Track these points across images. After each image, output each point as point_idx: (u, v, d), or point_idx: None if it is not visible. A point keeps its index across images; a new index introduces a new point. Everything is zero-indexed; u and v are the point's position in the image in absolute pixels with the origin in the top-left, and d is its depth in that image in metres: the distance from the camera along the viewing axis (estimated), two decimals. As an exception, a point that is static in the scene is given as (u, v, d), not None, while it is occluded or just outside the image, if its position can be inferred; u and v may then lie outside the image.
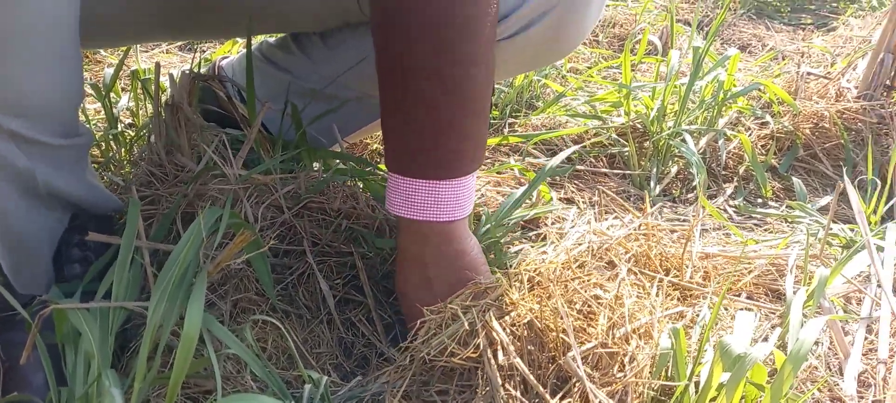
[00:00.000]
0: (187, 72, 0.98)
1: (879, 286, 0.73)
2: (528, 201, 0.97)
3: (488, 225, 0.87)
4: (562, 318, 0.62)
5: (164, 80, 1.14)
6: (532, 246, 0.80)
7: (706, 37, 1.89)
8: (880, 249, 0.84)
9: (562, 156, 0.97)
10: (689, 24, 1.95)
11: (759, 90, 1.23)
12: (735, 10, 2.05)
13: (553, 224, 0.91)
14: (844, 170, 1.13)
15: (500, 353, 0.63)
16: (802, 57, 1.55)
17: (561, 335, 0.62)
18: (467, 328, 0.66)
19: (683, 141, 1.09)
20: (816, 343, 0.73)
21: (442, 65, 0.67)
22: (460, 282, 0.72)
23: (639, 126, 1.18)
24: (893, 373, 0.63)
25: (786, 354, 0.60)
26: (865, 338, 0.73)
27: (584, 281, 0.67)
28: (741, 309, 0.75)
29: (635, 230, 0.82)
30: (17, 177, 0.68)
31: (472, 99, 0.70)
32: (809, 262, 0.87)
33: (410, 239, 0.75)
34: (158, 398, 0.68)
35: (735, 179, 1.17)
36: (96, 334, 0.65)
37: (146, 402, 0.68)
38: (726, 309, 0.78)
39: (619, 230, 0.80)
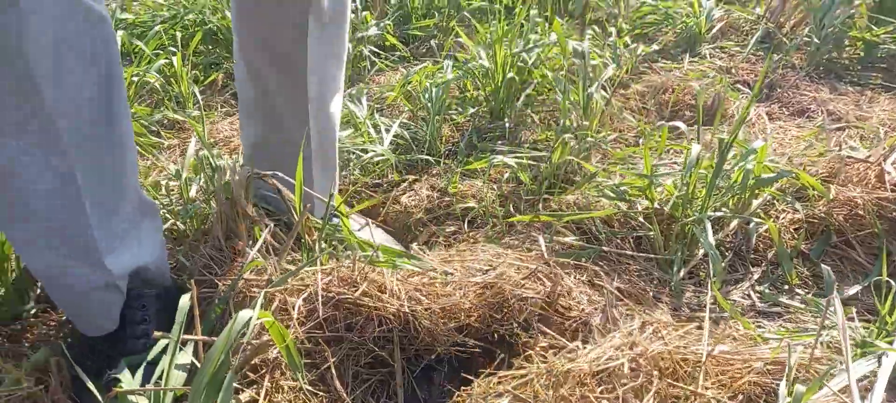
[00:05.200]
0: (245, 167, 1.12)
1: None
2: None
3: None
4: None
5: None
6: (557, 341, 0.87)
7: (765, 100, 1.88)
8: (885, 353, 0.86)
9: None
10: (749, 86, 1.93)
11: (793, 177, 1.23)
12: (801, 68, 2.01)
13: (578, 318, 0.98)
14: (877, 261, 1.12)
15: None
16: (851, 128, 1.53)
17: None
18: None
19: (704, 229, 1.12)
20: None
21: None
22: None
23: (666, 209, 1.22)
24: None
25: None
26: (851, 453, 0.75)
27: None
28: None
29: (664, 345, 0.87)
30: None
31: None
32: (813, 364, 0.89)
33: None
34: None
35: (763, 263, 1.18)
36: (151, 411, 0.78)
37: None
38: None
39: (654, 343, 0.86)
